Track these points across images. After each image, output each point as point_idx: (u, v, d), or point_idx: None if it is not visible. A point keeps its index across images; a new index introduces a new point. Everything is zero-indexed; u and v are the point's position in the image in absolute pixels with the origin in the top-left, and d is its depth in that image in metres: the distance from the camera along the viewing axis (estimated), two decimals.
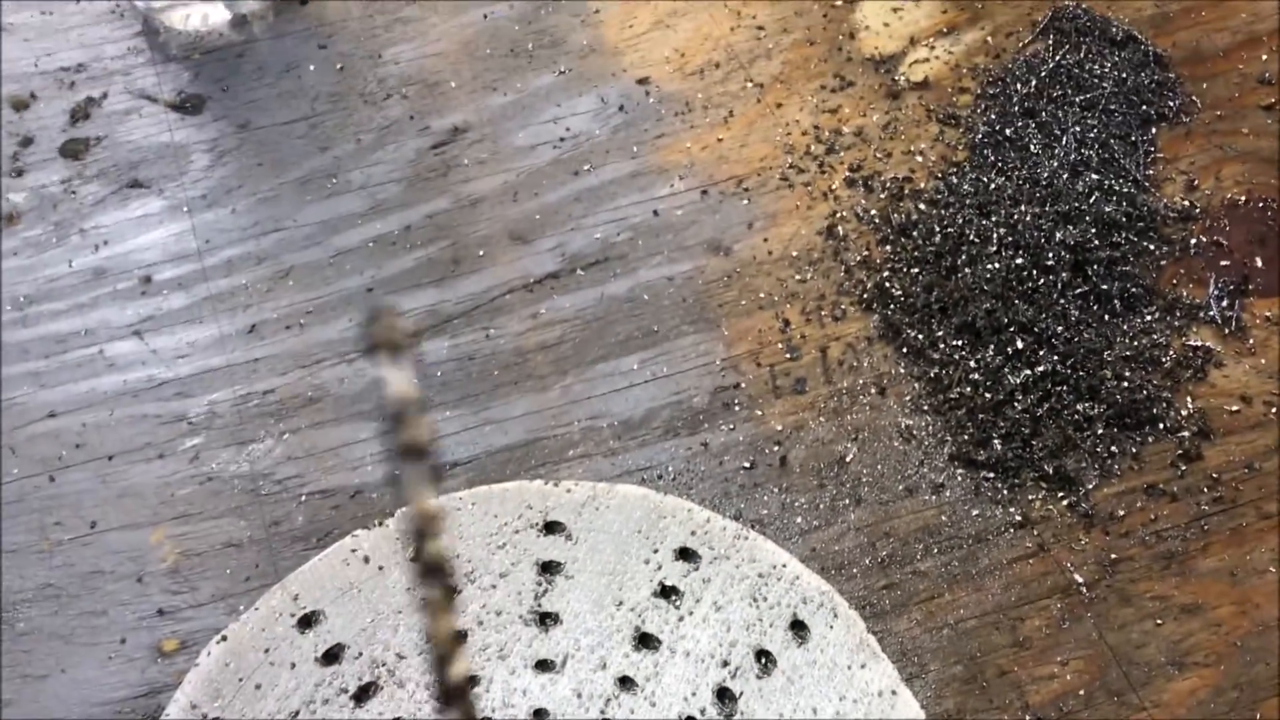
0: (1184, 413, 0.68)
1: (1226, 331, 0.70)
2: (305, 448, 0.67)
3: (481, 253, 0.75)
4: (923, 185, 0.77)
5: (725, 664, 0.59)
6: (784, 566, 0.62)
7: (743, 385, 0.70)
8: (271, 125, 0.81)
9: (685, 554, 0.62)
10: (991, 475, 0.66)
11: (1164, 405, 0.68)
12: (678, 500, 0.64)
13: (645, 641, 0.60)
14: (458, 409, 0.69)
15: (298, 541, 0.64)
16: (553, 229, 0.76)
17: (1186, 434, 0.67)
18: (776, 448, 0.67)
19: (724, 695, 0.58)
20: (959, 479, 0.66)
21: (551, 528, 0.63)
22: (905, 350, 0.71)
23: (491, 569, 0.62)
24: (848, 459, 0.67)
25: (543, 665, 0.59)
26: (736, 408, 0.69)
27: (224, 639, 0.60)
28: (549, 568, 0.62)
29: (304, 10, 0.86)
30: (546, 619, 0.61)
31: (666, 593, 0.61)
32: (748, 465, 0.67)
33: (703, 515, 0.64)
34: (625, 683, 0.59)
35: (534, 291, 0.73)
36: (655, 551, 0.62)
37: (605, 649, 0.59)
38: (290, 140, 0.80)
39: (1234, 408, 0.68)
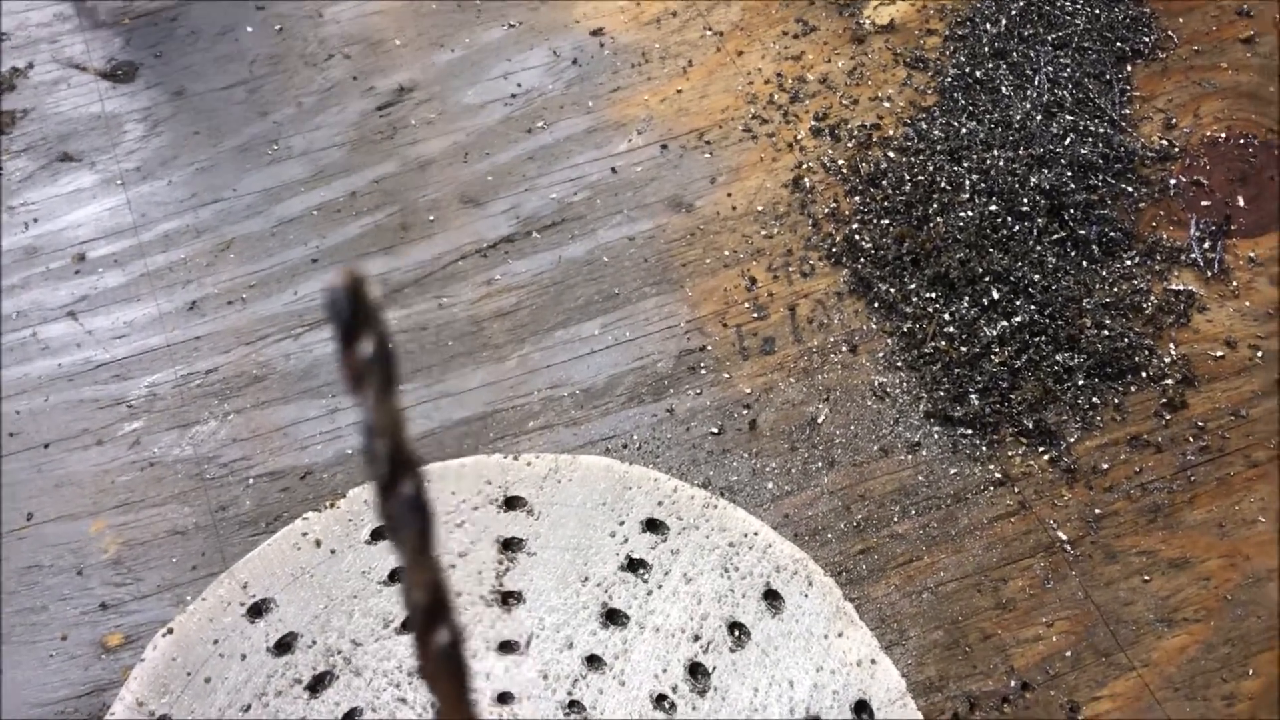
0: (1167, 360, 0.65)
1: (1209, 274, 0.68)
2: (251, 428, 0.64)
3: (432, 218, 0.71)
4: (891, 132, 0.74)
5: (697, 638, 0.56)
6: (756, 534, 0.59)
7: (709, 347, 0.67)
8: (208, 91, 0.77)
9: (653, 525, 0.60)
10: (969, 432, 0.63)
11: (1146, 353, 0.65)
12: (643, 470, 0.61)
13: (613, 618, 0.57)
14: (411, 382, 0.66)
15: (246, 527, 0.61)
16: (506, 190, 0.72)
17: (1170, 382, 0.65)
18: (745, 411, 0.65)
19: (696, 670, 0.56)
20: (936, 437, 0.63)
21: (512, 503, 0.61)
22: (877, 305, 0.68)
23: (450, 548, 0.59)
24: (820, 420, 0.64)
25: (506, 647, 0.57)
26: (703, 371, 0.66)
27: (170, 632, 0.57)
28: (510, 545, 0.59)
29: None
30: (509, 598, 0.58)
31: (634, 566, 0.59)
32: (716, 430, 0.64)
33: (670, 484, 0.61)
34: (593, 661, 0.56)
35: (488, 257, 0.70)
36: (621, 524, 0.60)
37: (571, 627, 0.57)
38: (228, 106, 0.77)
39: (1218, 353, 0.66)
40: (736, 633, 0.56)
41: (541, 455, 0.62)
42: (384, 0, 0.81)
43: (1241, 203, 0.71)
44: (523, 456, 0.62)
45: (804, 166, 0.73)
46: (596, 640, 0.56)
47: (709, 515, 0.60)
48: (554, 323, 0.67)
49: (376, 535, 0.60)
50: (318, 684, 0.56)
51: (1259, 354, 0.65)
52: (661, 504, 0.60)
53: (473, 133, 0.75)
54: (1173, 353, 0.66)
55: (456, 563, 0.59)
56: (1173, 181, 0.71)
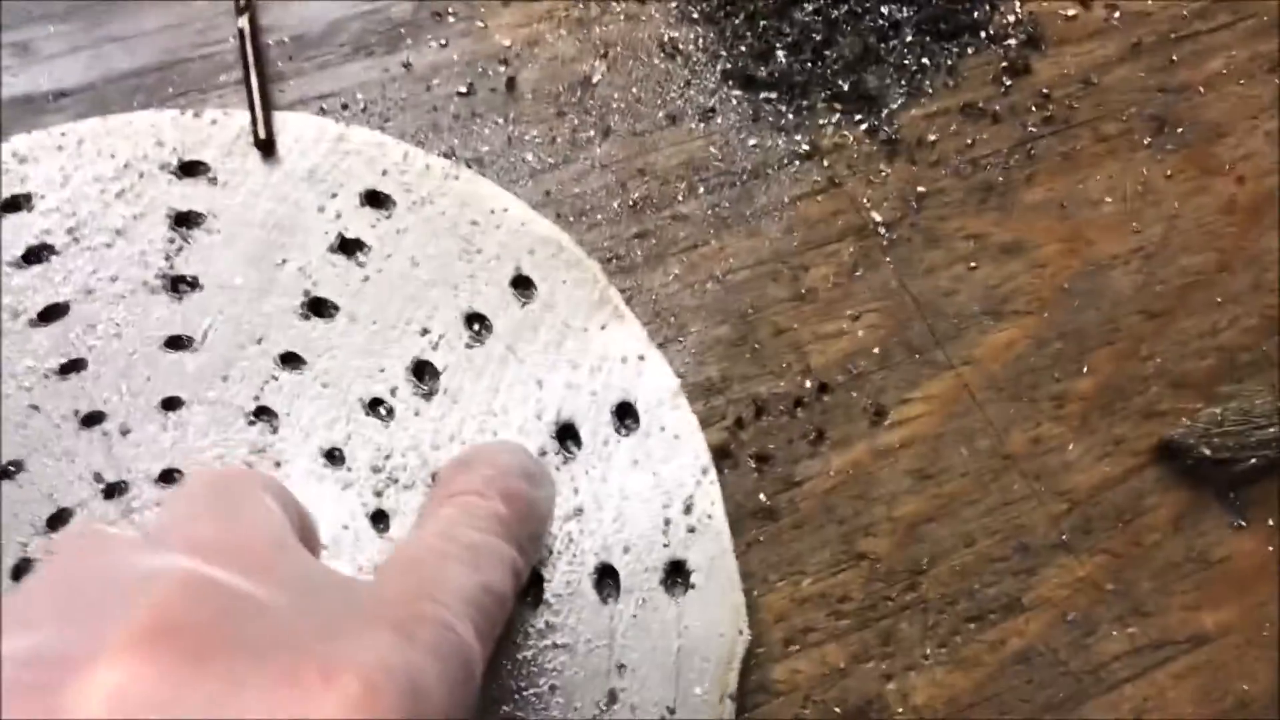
0: (1010, 18, 0.55)
1: None
2: None
3: None
4: None
5: (425, 332, 0.45)
6: (506, 211, 0.47)
7: None
8: None
9: (375, 199, 0.47)
10: (774, 96, 0.52)
11: (987, 9, 0.54)
12: (367, 132, 0.48)
13: (318, 309, 0.45)
14: (66, 23, 0.51)
15: None
16: None
17: (1013, 43, 0.54)
18: (503, 68, 0.52)
19: (423, 370, 0.44)
20: (734, 102, 0.52)
21: (191, 169, 0.47)
22: None
23: (106, 223, 0.46)
24: (594, 80, 0.52)
25: (175, 343, 0.44)
26: (451, 19, 0.53)
27: None
28: (186, 220, 0.46)
29: None
30: (180, 284, 0.45)
31: (348, 248, 0.46)
32: (464, 91, 0.51)
33: (399, 150, 0.48)
34: (289, 360, 0.44)
35: None
36: (333, 196, 0.47)
37: (262, 317, 0.45)
38: None
39: (1070, 12, 0.55)
40: (476, 326, 0.45)
41: (233, 112, 0.48)
42: None
43: None
44: (208, 114, 0.48)
45: None
46: (295, 334, 0.44)
47: (448, 188, 0.47)
48: None
49: (9, 206, 0.46)
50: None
51: (1115, 14, 0.55)
52: (387, 173, 0.48)
53: None
54: (1017, 10, 0.55)
55: (114, 241, 0.45)
56: None
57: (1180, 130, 0.53)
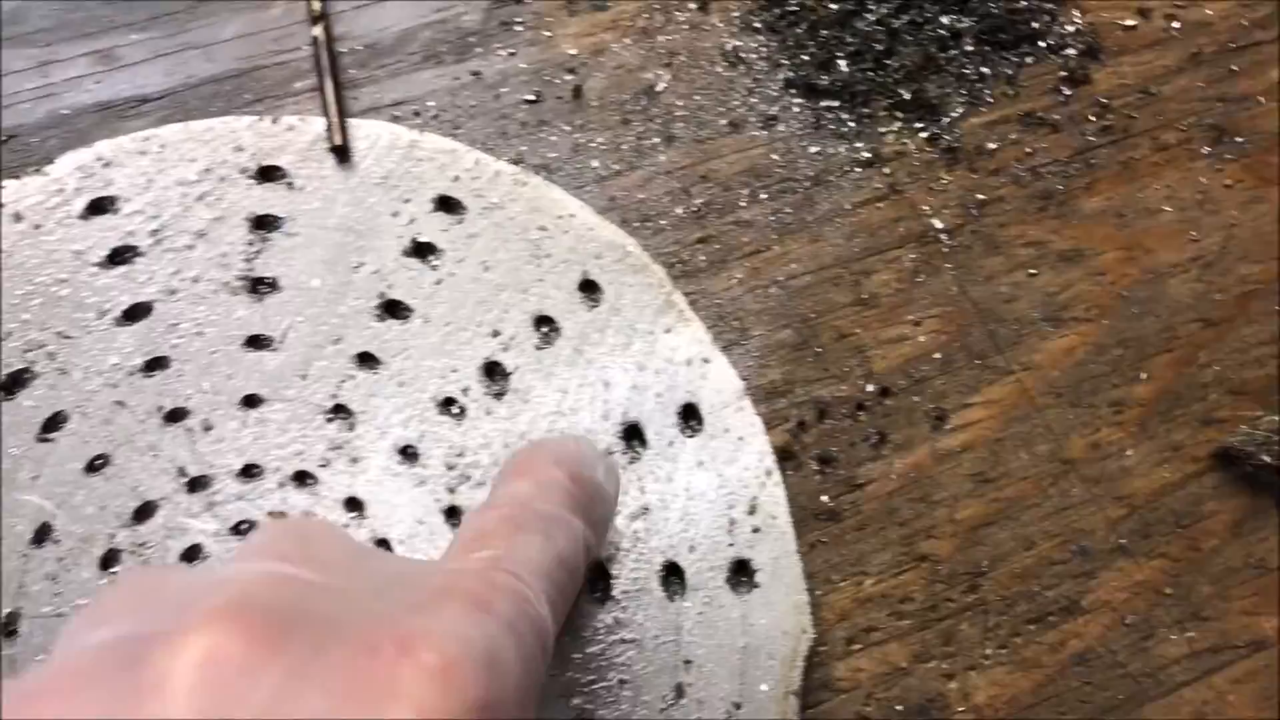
0: (1070, 28, 0.55)
1: None
2: None
3: None
4: None
5: (496, 334, 0.46)
6: (573, 217, 0.48)
7: (528, 0, 0.54)
8: None
9: (447, 204, 0.48)
10: (835, 104, 0.53)
11: (1047, 19, 0.55)
12: (439, 139, 0.50)
13: (393, 310, 0.46)
14: (147, 31, 0.52)
15: None
16: None
17: (1072, 53, 0.55)
18: (569, 76, 0.53)
19: (493, 370, 0.45)
20: (796, 110, 0.53)
21: (268, 174, 0.49)
22: None
23: (187, 226, 0.47)
24: (659, 89, 0.53)
25: (255, 342, 0.45)
26: (519, 28, 0.54)
27: None
28: (265, 223, 0.48)
29: None
30: (260, 285, 0.47)
31: (421, 251, 0.47)
32: (532, 98, 0.52)
33: (470, 157, 0.49)
34: (366, 360, 0.45)
35: None
36: (407, 202, 0.48)
37: (339, 319, 0.46)
38: None
39: (1129, 22, 0.56)
40: (544, 328, 0.46)
41: (309, 118, 0.50)
42: None
43: None
44: (284, 120, 0.49)
45: None
46: (371, 335, 0.46)
47: (518, 194, 0.49)
48: None
49: (94, 208, 0.47)
50: (14, 384, 0.44)
51: (1175, 24, 0.56)
52: (459, 179, 0.49)
53: None
54: (1077, 20, 0.55)
55: (196, 243, 0.47)
56: None
57: (1239, 139, 0.53)
